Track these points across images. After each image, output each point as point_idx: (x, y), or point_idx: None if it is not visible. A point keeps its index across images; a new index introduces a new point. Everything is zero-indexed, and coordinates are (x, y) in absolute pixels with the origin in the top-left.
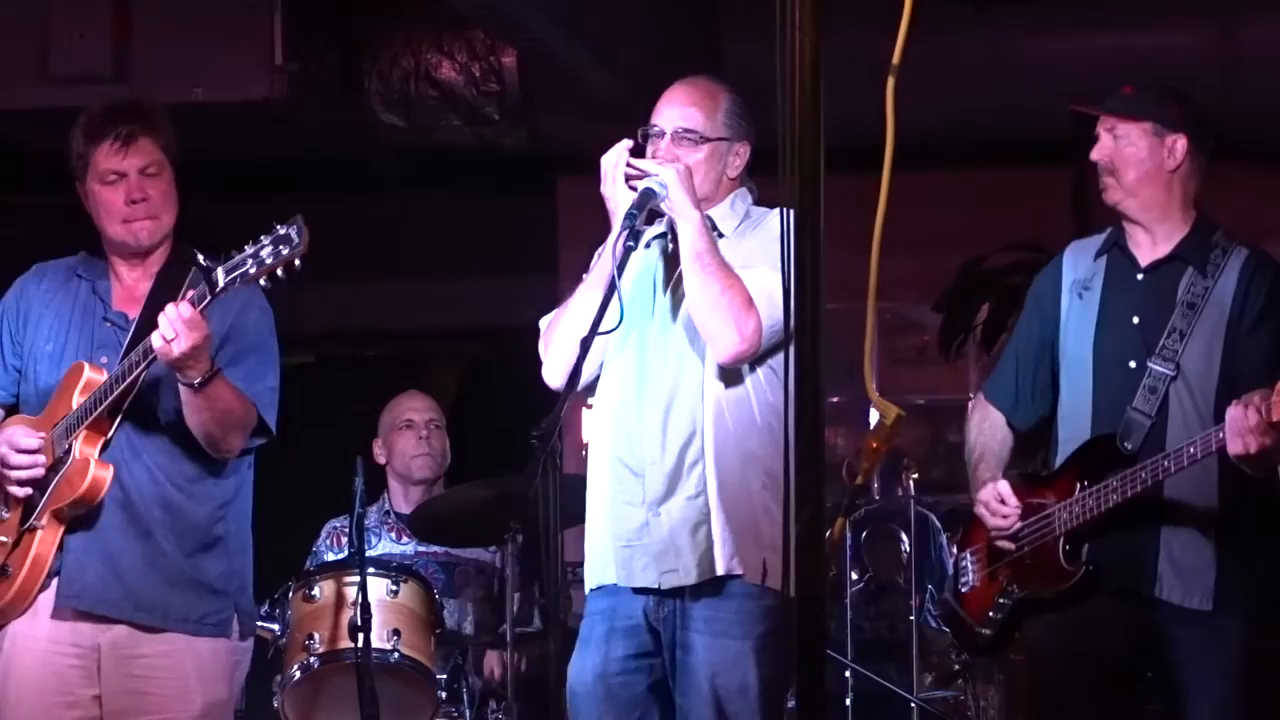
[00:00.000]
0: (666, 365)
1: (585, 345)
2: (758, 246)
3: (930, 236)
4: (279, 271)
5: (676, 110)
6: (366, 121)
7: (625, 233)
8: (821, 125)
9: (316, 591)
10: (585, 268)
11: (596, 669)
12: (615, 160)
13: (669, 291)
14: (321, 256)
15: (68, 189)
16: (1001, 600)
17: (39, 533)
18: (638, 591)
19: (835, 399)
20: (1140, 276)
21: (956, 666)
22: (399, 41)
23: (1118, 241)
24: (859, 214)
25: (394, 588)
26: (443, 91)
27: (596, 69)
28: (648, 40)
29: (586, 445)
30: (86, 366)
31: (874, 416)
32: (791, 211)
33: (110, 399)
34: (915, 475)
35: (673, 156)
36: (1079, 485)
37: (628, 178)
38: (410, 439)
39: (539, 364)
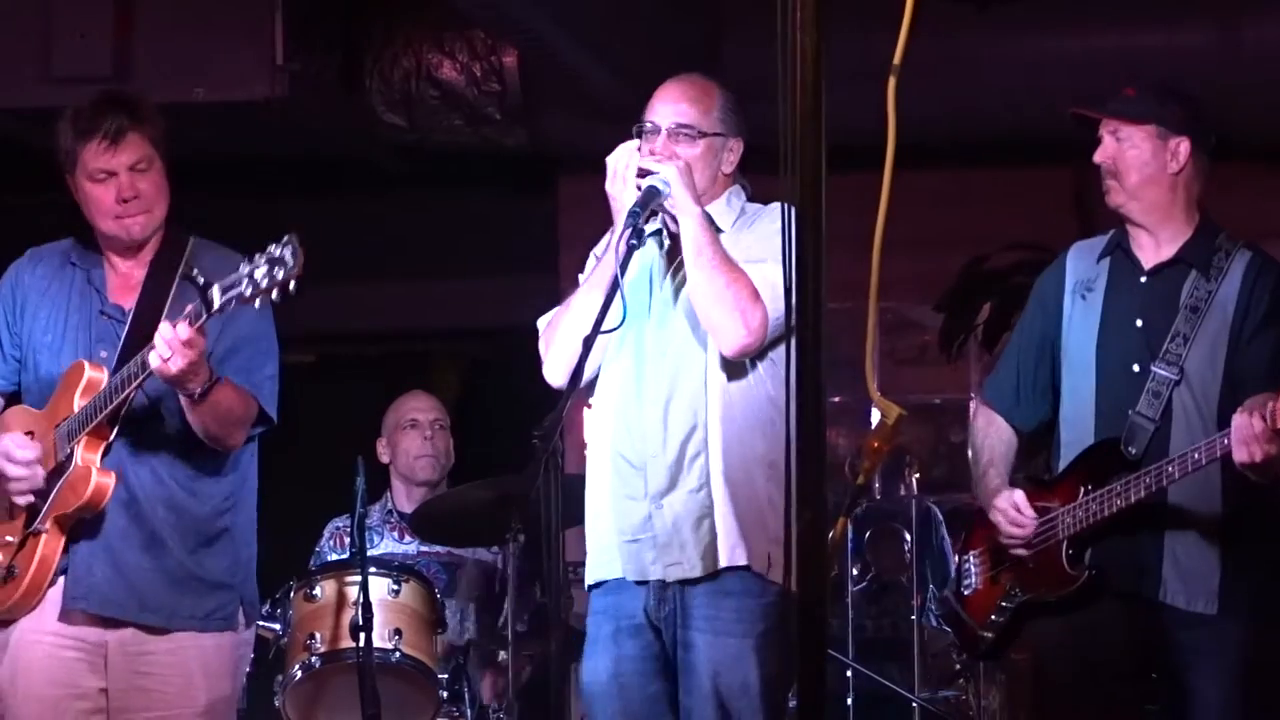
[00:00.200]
0: (665, 359)
1: (588, 344)
2: (758, 240)
3: (931, 236)
4: (274, 294)
5: (671, 106)
6: (368, 121)
7: (629, 231)
8: (823, 124)
9: (318, 591)
10: (588, 262)
11: (609, 669)
12: (624, 159)
13: (665, 286)
14: (322, 256)
15: (69, 188)
16: (1004, 603)
17: (43, 536)
18: (639, 584)
19: (837, 399)
20: (1143, 279)
21: (958, 666)
22: (400, 41)
23: (1121, 244)
24: (860, 213)
25: (395, 587)
26: (444, 91)
27: (597, 69)
28: (649, 40)
29: (588, 446)
30: (87, 366)
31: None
32: (792, 208)
33: (109, 409)
34: (918, 475)
35: (670, 153)
36: (1083, 489)
37: (641, 173)
38: (415, 439)
39: (540, 363)
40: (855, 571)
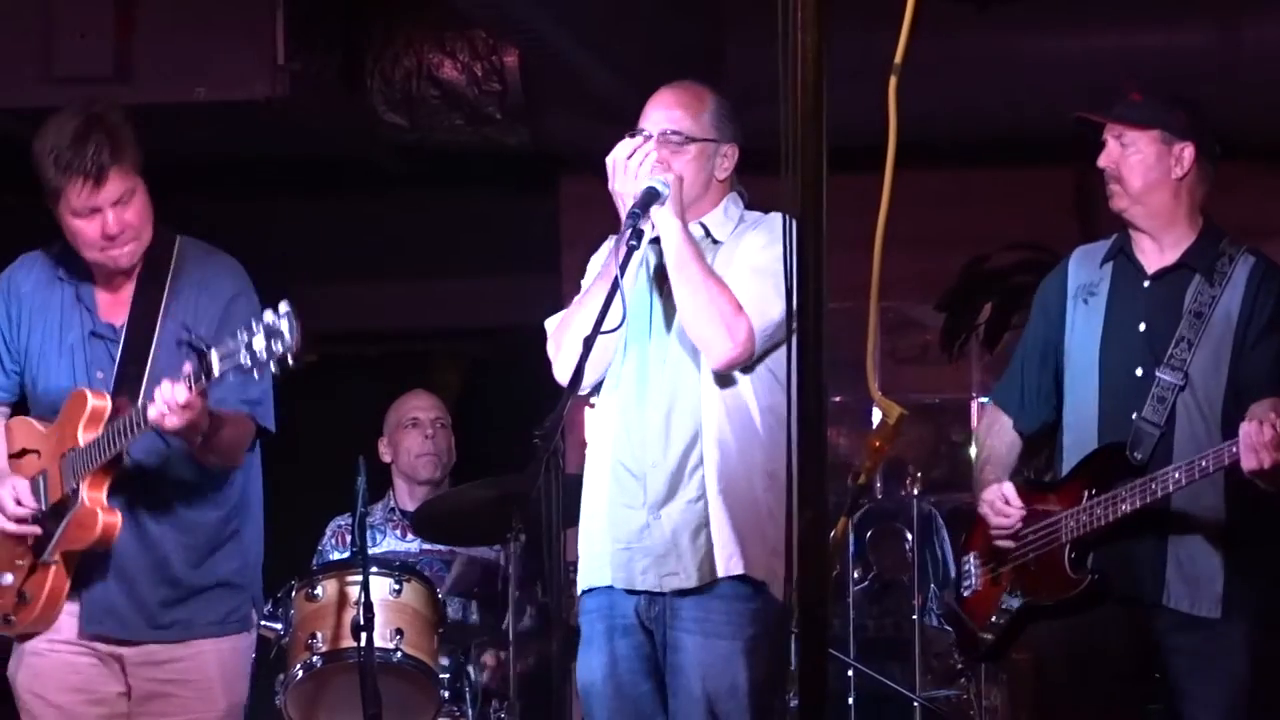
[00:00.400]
0: (666, 368)
1: (588, 344)
2: (752, 250)
3: (932, 236)
4: (272, 366)
5: (662, 113)
6: (369, 121)
7: (628, 232)
8: (824, 124)
9: (319, 591)
10: (588, 267)
11: (605, 668)
12: (624, 152)
13: (665, 297)
14: (324, 256)
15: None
16: (1004, 606)
17: (53, 568)
18: (630, 592)
19: (838, 398)
20: (1146, 284)
21: (959, 665)
22: (401, 41)
23: (1123, 248)
24: (861, 213)
25: (396, 587)
26: (445, 91)
27: (598, 68)
28: (650, 39)
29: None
30: (90, 396)
31: (877, 416)
32: (792, 216)
33: (111, 454)
34: (919, 474)
35: (662, 160)
36: (1086, 494)
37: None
38: (416, 438)
39: (542, 363)
40: (857, 572)
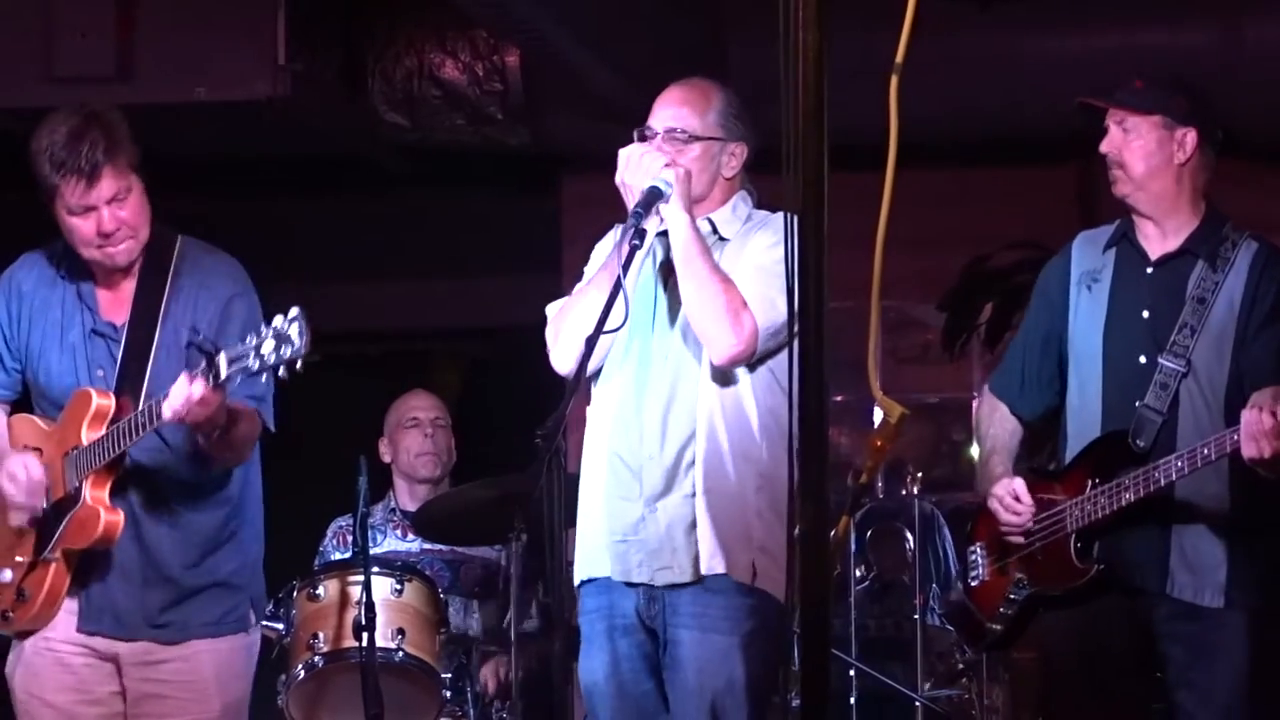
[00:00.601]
0: (668, 363)
1: (590, 343)
2: (758, 249)
3: (933, 235)
4: (281, 371)
5: (669, 110)
6: (370, 121)
7: (630, 231)
8: (825, 123)
9: (321, 591)
10: (585, 272)
11: (606, 668)
12: (637, 149)
13: (670, 291)
14: (325, 256)
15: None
16: (1011, 595)
17: (53, 565)
18: (629, 585)
19: (839, 398)
20: (1150, 270)
21: (961, 665)
22: (402, 41)
23: (1126, 234)
24: (862, 212)
25: (398, 587)
26: (446, 91)
27: (600, 68)
28: (651, 39)
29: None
30: (94, 395)
31: (878, 415)
32: (793, 216)
33: (116, 453)
34: (919, 474)
35: (670, 157)
36: (1091, 482)
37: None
38: (416, 437)
39: (543, 363)
40: (859, 571)
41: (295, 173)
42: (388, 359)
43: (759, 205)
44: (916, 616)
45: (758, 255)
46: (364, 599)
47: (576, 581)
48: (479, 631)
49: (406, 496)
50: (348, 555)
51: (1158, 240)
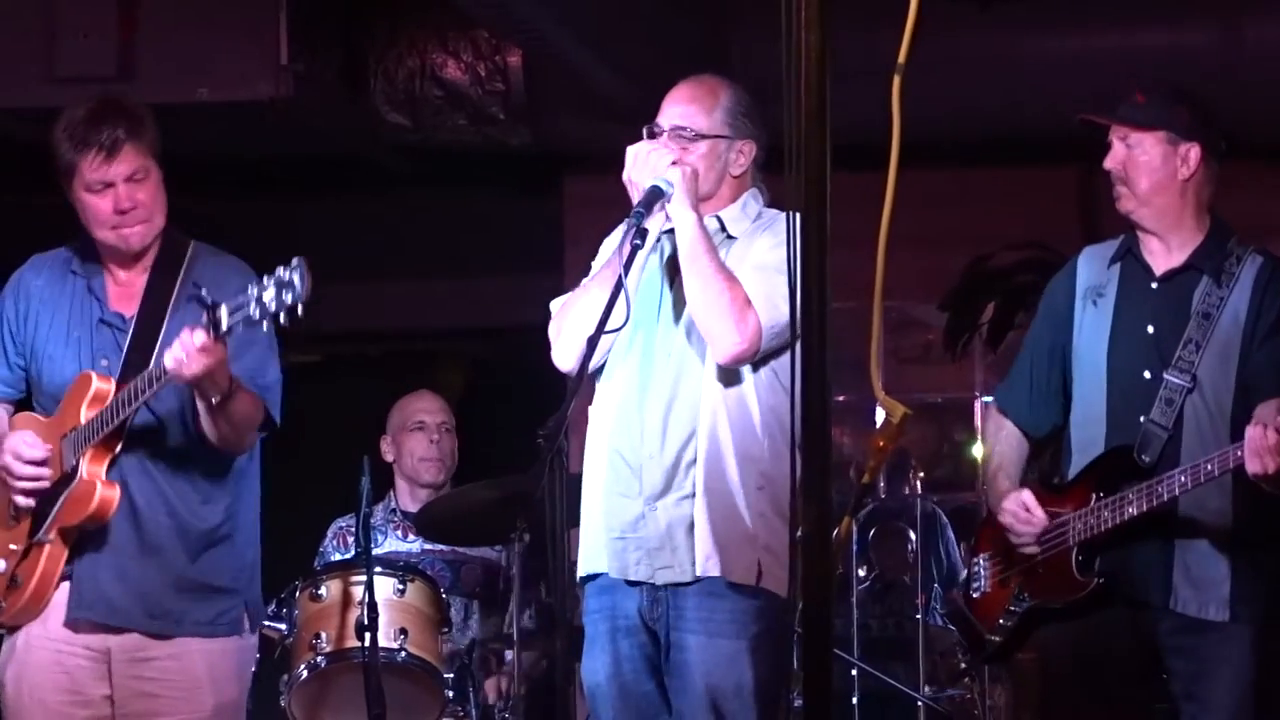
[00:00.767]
0: (670, 362)
1: (592, 343)
2: (763, 249)
3: (935, 235)
4: (282, 317)
5: (676, 108)
6: (372, 121)
7: (632, 231)
8: (827, 123)
9: (323, 591)
10: (591, 266)
11: (609, 669)
12: (645, 147)
13: (675, 289)
14: (326, 256)
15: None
16: (1012, 607)
17: (47, 547)
18: (631, 584)
19: (841, 397)
20: (1154, 285)
21: (963, 665)
22: (404, 41)
23: (1131, 249)
24: (864, 212)
25: (400, 587)
26: (448, 91)
27: (602, 68)
28: (653, 39)
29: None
30: (95, 377)
31: (880, 415)
32: (796, 213)
33: (116, 422)
34: (922, 474)
35: (677, 155)
36: (1094, 496)
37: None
38: (421, 441)
39: (545, 363)
40: (860, 571)
41: (297, 173)
42: (389, 359)
43: (770, 204)
44: (919, 616)
45: (762, 254)
46: (367, 599)
47: (579, 576)
48: (481, 633)
49: (408, 497)
50: (348, 555)
51: (1162, 255)
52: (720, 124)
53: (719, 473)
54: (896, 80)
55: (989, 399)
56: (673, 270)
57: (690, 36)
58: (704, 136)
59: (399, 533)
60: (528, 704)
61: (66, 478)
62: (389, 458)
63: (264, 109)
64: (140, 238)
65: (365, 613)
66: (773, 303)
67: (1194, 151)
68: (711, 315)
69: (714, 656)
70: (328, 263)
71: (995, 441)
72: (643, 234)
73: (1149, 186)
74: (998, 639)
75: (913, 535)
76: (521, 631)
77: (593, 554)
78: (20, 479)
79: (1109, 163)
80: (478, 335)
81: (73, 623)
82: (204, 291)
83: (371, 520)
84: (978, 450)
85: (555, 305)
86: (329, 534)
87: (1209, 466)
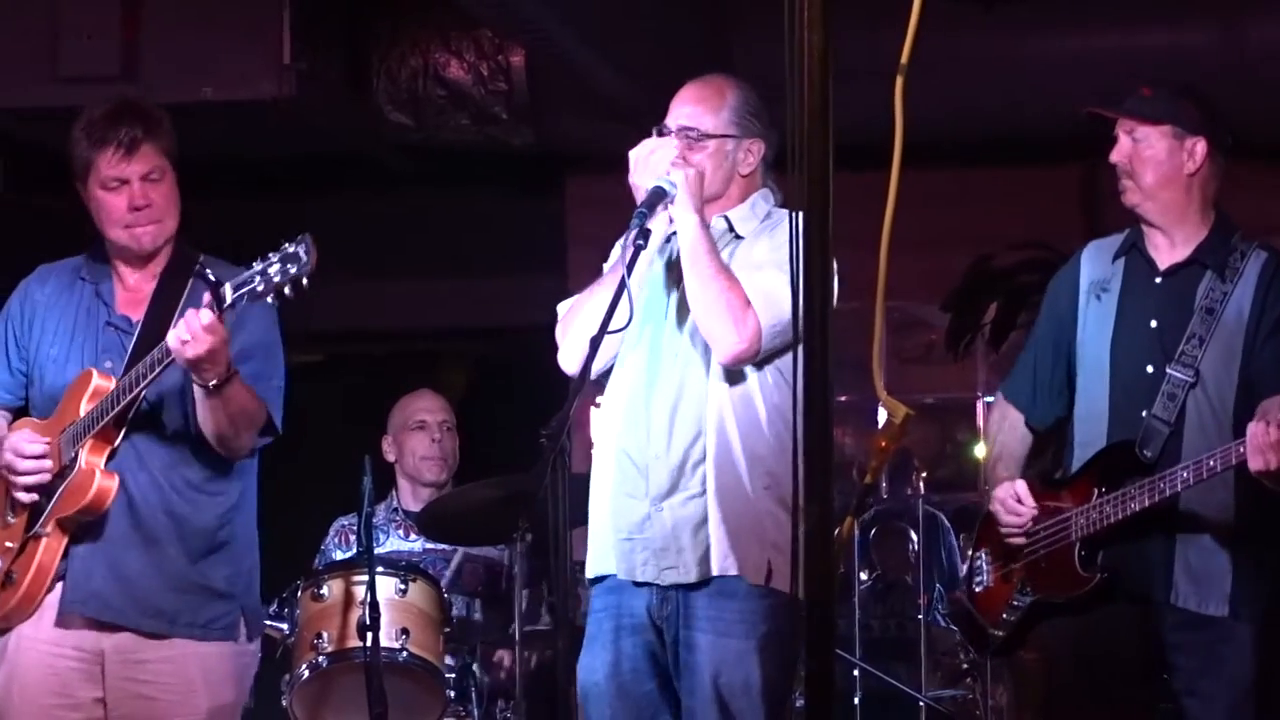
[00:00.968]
0: (676, 362)
1: (595, 344)
2: (766, 249)
3: (938, 235)
4: (286, 290)
5: (683, 109)
6: (375, 120)
7: (635, 231)
8: (830, 123)
9: (325, 590)
10: (594, 266)
11: (608, 667)
12: (646, 149)
13: (681, 290)
14: (328, 256)
15: (79, 194)
16: (1015, 602)
17: (44, 540)
18: (639, 585)
19: (843, 398)
20: (1158, 280)
21: (965, 665)
22: (407, 41)
23: (1136, 243)
24: (867, 212)
25: (402, 587)
26: (451, 91)
27: (604, 68)
28: (656, 39)
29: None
30: (95, 373)
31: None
32: (799, 214)
33: (118, 408)
34: (924, 475)
35: (680, 155)
36: (1096, 491)
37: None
38: (422, 440)
39: (548, 363)
40: (863, 573)
41: (300, 172)
42: (391, 359)
43: (782, 204)
44: (920, 616)
45: (765, 254)
46: (368, 599)
47: (587, 578)
48: (482, 633)
49: (409, 496)
50: (350, 554)
51: (1166, 250)
52: (727, 123)
53: (728, 472)
54: (900, 80)
55: (991, 399)
56: (679, 271)
57: (693, 36)
58: (710, 136)
59: (401, 532)
60: (529, 704)
61: (65, 470)
62: (390, 458)
63: (267, 108)
64: (152, 238)
65: (367, 612)
66: (773, 302)
67: (1200, 146)
68: (711, 316)
69: (723, 656)
70: (330, 262)
71: (999, 432)
72: (646, 235)
73: (1155, 180)
74: (1001, 634)
75: (913, 536)
76: (524, 632)
77: (601, 556)
78: (21, 474)
79: (1115, 156)
80: (480, 335)
81: (65, 620)
82: (208, 270)
83: (373, 520)
84: (980, 451)
85: (562, 308)
86: (330, 532)
87: (1212, 463)
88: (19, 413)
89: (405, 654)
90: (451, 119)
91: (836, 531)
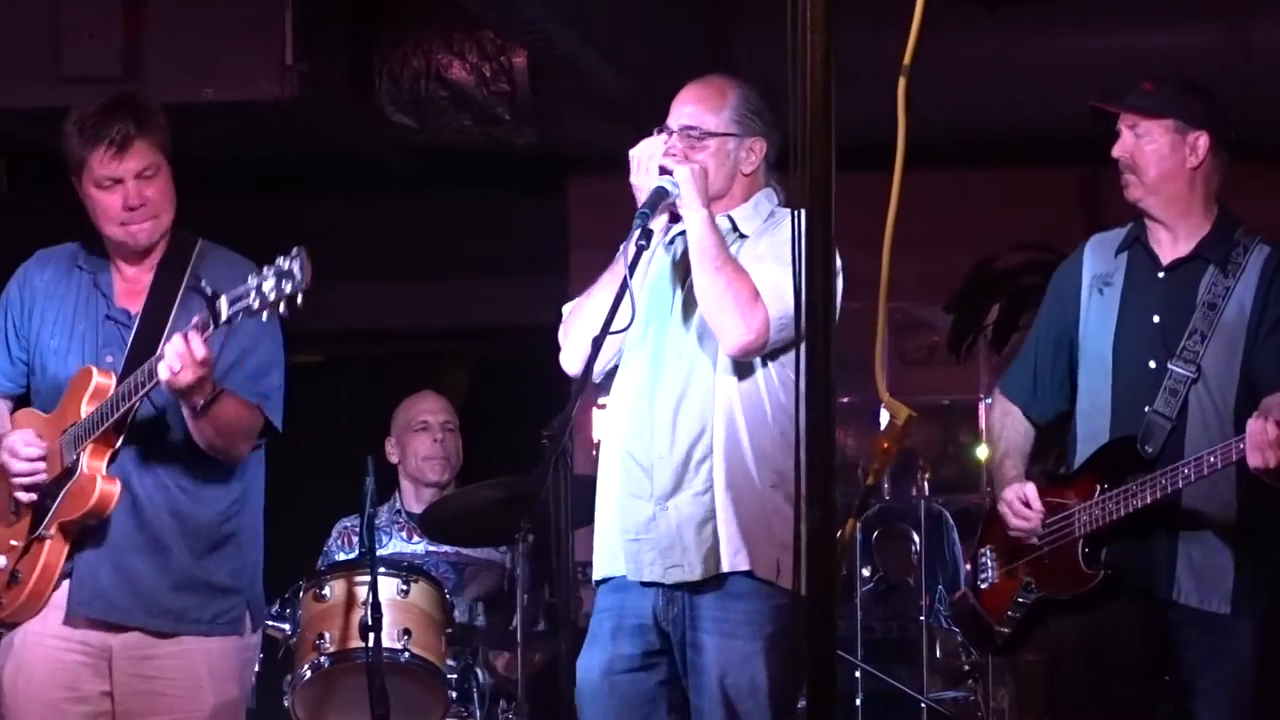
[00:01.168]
0: (680, 360)
1: (597, 344)
2: (771, 245)
3: (941, 236)
4: (281, 307)
5: (684, 109)
6: (377, 121)
7: (637, 232)
8: (832, 123)
9: (327, 591)
10: (596, 267)
11: (603, 666)
12: (647, 150)
13: (686, 290)
14: (330, 256)
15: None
16: (1020, 599)
17: (48, 542)
18: (646, 586)
19: (846, 399)
20: (1161, 275)
21: (966, 667)
22: (409, 41)
23: (1139, 238)
24: (870, 213)
25: (404, 587)
26: (453, 91)
27: (607, 69)
28: (658, 40)
29: (598, 445)
30: (95, 372)
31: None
32: (802, 212)
33: (115, 417)
34: (927, 476)
35: (681, 155)
36: (1099, 488)
37: (661, 170)
38: (425, 441)
39: (550, 364)
40: (864, 573)
41: (302, 173)
42: (393, 359)
43: (785, 204)
44: (922, 618)
45: (777, 248)
46: (370, 599)
47: (594, 579)
48: (484, 634)
49: (412, 498)
50: (353, 556)
51: (1169, 245)
52: (728, 122)
53: (737, 467)
54: (903, 81)
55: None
56: (684, 271)
57: (695, 37)
58: (712, 135)
59: (403, 534)
60: (531, 705)
61: (67, 472)
62: (394, 459)
63: (269, 109)
64: (148, 234)
65: (369, 613)
66: (780, 294)
67: (1202, 140)
68: (719, 307)
69: (729, 656)
70: (332, 263)
71: (1002, 428)
72: (648, 235)
73: (1157, 175)
74: (1006, 630)
75: (915, 537)
76: (526, 633)
77: (608, 557)
78: (18, 475)
79: (1117, 151)
80: (482, 336)
81: (71, 620)
82: (204, 283)
83: (377, 521)
84: (982, 452)
85: (567, 310)
86: (333, 534)
87: (1213, 459)
88: (21, 400)
89: (407, 655)
90: (454, 120)
91: (839, 533)
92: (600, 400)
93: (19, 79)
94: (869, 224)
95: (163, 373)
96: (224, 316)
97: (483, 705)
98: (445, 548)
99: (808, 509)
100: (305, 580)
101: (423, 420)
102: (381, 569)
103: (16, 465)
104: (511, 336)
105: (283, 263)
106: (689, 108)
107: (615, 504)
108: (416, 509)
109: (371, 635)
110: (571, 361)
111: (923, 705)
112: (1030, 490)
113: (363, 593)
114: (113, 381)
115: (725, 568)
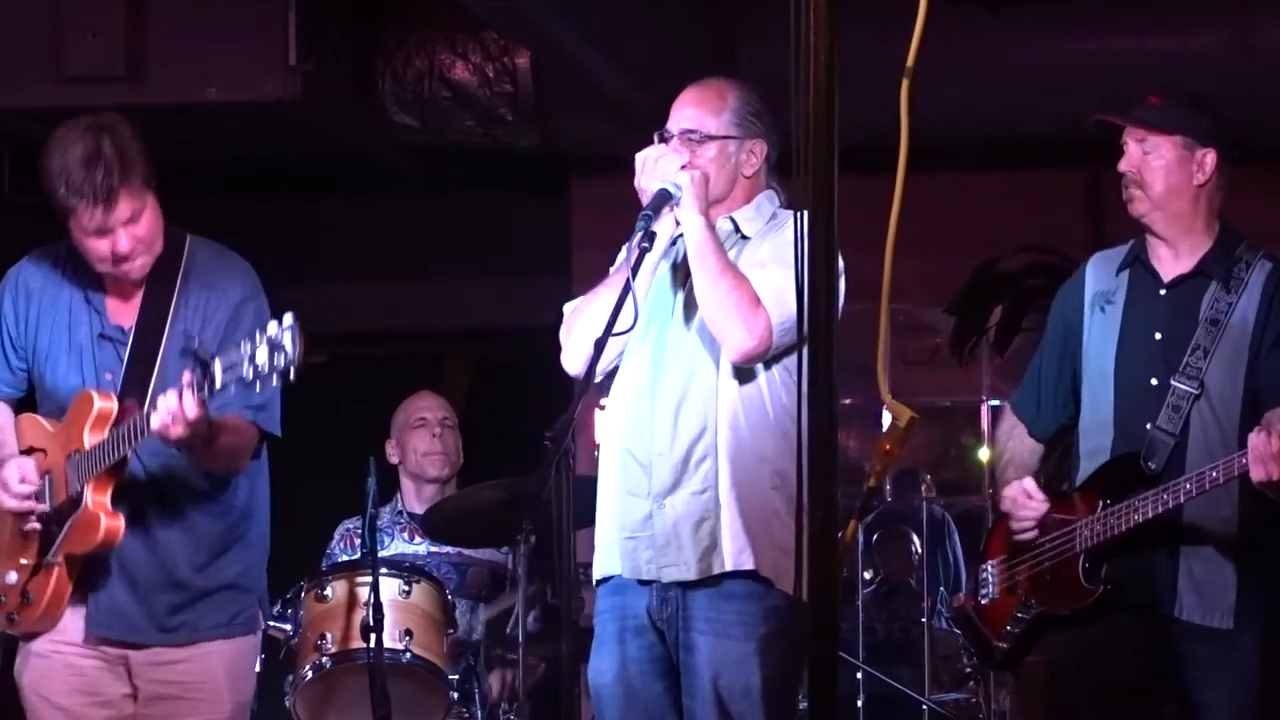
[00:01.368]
0: (682, 360)
1: (599, 346)
2: (772, 248)
3: (943, 238)
4: (274, 379)
5: (684, 112)
6: (380, 122)
7: (640, 234)
8: (835, 126)
9: (329, 592)
10: (599, 268)
11: (615, 669)
12: (654, 153)
13: (687, 292)
14: (333, 256)
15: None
16: (1019, 614)
17: (56, 569)
18: (642, 584)
19: (848, 401)
20: (1163, 292)
21: (968, 669)
22: (413, 42)
23: (1140, 255)
24: (872, 215)
25: (406, 588)
26: (456, 92)
27: (610, 70)
28: (661, 41)
29: (599, 445)
30: (96, 397)
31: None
32: (805, 214)
33: (114, 460)
34: (929, 477)
35: (686, 158)
36: (1101, 503)
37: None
38: (423, 437)
39: (552, 365)
40: (866, 575)
41: (305, 173)
42: (395, 360)
43: (786, 205)
44: (924, 620)
45: (779, 251)
46: (372, 600)
47: (594, 579)
48: (486, 635)
49: (414, 499)
50: (355, 557)
51: (1171, 262)
52: (728, 125)
53: (738, 469)
54: (905, 84)
55: (996, 403)
56: (686, 273)
57: (699, 39)
58: (712, 138)
59: (405, 535)
60: (532, 705)
61: (73, 502)
62: (394, 459)
63: (272, 109)
64: (140, 271)
65: (370, 613)
66: (782, 299)
67: (1210, 157)
68: (721, 314)
69: (723, 657)
70: (334, 263)
71: (1009, 439)
72: (650, 237)
73: (1164, 190)
74: (1005, 646)
75: (916, 539)
76: (527, 634)
77: (606, 556)
78: (13, 510)
79: (1124, 165)
80: (484, 336)
81: (90, 640)
82: (198, 344)
83: (378, 522)
84: (984, 454)
85: (568, 309)
86: (336, 536)
87: (1214, 474)
88: (22, 404)
89: (409, 655)
90: (457, 120)
91: (840, 535)
92: (602, 401)
93: (22, 78)
94: (871, 226)
95: (154, 424)
96: (218, 384)
97: (484, 706)
98: (447, 548)
99: (810, 511)
100: (307, 580)
101: (420, 417)
102: (383, 569)
103: (9, 502)
104: (514, 337)
105: (275, 333)
106: (689, 111)
107: (613, 502)
108: (418, 509)
109: (373, 636)
110: (572, 361)
111: (924, 707)
112: (1029, 483)
113: (364, 593)
114: (114, 405)
115: (729, 566)
